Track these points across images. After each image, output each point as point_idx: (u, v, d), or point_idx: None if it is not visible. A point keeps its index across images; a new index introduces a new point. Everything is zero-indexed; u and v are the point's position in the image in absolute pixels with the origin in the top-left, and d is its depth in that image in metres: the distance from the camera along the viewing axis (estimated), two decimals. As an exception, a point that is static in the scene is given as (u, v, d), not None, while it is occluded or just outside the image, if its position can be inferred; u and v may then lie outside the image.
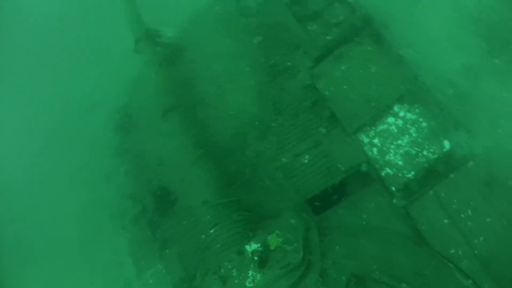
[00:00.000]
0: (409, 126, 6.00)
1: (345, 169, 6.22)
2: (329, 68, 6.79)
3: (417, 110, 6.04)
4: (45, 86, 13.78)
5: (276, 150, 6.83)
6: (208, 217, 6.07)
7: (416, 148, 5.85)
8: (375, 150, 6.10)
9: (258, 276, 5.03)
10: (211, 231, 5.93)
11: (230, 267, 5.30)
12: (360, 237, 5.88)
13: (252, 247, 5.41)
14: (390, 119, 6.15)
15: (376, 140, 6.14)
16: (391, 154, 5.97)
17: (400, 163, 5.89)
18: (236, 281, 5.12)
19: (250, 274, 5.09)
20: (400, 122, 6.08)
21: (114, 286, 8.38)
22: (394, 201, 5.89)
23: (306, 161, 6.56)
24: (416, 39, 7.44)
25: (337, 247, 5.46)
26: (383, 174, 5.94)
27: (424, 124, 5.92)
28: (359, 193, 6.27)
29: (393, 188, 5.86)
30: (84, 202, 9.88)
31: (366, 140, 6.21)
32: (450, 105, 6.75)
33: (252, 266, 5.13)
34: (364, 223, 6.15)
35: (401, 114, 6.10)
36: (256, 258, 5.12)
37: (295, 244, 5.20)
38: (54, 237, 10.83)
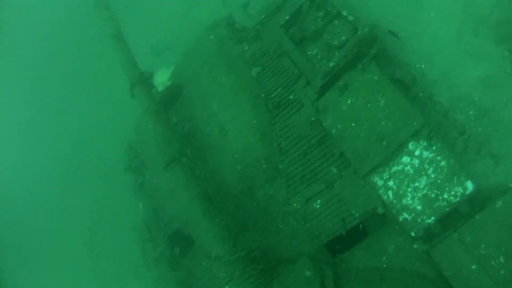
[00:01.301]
0: (426, 166, 5.52)
1: (359, 215, 5.89)
2: (334, 101, 6.30)
3: (434, 148, 5.53)
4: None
5: (286, 193, 6.53)
6: (221, 273, 5.97)
7: (435, 191, 5.41)
8: (390, 193, 5.70)
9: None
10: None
11: None
12: (380, 284, 5.64)
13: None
14: (405, 159, 5.68)
15: (391, 183, 5.72)
16: (409, 198, 5.56)
17: (419, 207, 5.47)
18: None
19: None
20: (416, 161, 5.60)
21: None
22: (415, 245, 5.55)
23: (318, 206, 6.25)
24: (427, 52, 6.79)
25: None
26: (400, 219, 5.57)
27: (443, 163, 5.43)
28: (378, 234, 5.96)
29: (413, 234, 5.50)
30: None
31: (380, 182, 5.79)
32: (471, 127, 6.23)
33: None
34: (384, 266, 5.87)
35: (417, 152, 5.62)
36: None
37: None
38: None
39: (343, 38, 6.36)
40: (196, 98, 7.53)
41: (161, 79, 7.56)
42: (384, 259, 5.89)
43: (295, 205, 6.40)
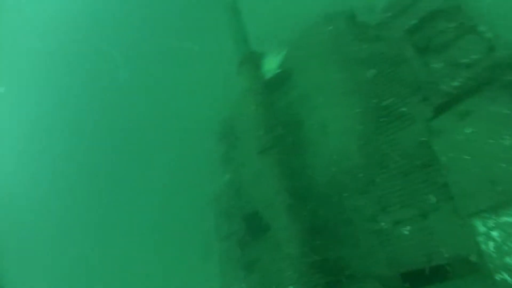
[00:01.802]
0: (543, 227, 4.75)
1: (448, 256, 5.42)
2: (451, 126, 5.63)
3: (559, 210, 4.68)
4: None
5: (376, 209, 6.27)
6: (290, 273, 6.15)
7: (548, 260, 4.66)
8: (491, 244, 5.08)
9: None
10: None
11: None
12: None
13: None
14: (520, 212, 4.94)
15: (495, 233, 5.07)
16: (513, 257, 4.90)
17: (523, 272, 4.82)
18: None
19: None
20: (532, 219, 4.84)
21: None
22: None
23: (407, 232, 5.90)
24: None
25: None
26: (497, 278, 4.98)
27: None
28: (463, 281, 5.45)
29: None
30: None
31: (482, 229, 5.18)
32: None
33: None
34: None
35: (536, 210, 4.83)
36: None
37: None
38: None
39: (474, 56, 5.51)
40: (302, 89, 7.39)
41: (270, 66, 7.53)
42: None
43: (382, 224, 6.14)
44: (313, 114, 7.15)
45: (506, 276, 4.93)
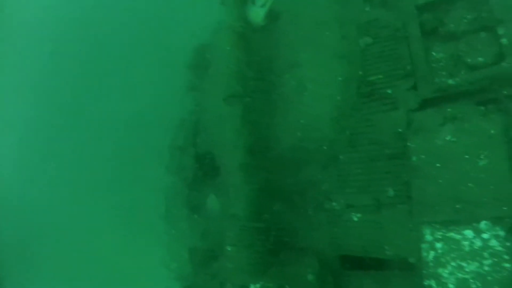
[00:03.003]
0: (486, 254, 4.79)
1: (390, 253, 5.50)
2: (432, 126, 5.25)
3: (508, 244, 4.69)
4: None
5: (332, 187, 6.09)
6: (231, 234, 6.07)
7: (478, 284, 4.81)
8: (432, 254, 5.14)
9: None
10: (228, 248, 6.01)
11: None
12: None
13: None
14: (468, 233, 4.92)
15: (439, 245, 5.10)
16: (446, 271, 5.01)
17: (451, 287, 4.98)
18: None
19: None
20: (478, 243, 4.85)
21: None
22: None
23: (356, 219, 5.85)
24: None
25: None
26: (425, 283, 5.14)
27: (507, 265, 4.67)
28: (394, 275, 5.66)
29: None
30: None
31: (428, 238, 5.18)
32: None
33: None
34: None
35: (485, 236, 4.82)
36: None
37: None
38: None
39: (481, 59, 4.92)
40: (287, 40, 6.49)
41: (257, 7, 6.41)
42: None
43: (335, 204, 6.03)
44: (293, 70, 6.40)
45: (433, 284, 5.08)
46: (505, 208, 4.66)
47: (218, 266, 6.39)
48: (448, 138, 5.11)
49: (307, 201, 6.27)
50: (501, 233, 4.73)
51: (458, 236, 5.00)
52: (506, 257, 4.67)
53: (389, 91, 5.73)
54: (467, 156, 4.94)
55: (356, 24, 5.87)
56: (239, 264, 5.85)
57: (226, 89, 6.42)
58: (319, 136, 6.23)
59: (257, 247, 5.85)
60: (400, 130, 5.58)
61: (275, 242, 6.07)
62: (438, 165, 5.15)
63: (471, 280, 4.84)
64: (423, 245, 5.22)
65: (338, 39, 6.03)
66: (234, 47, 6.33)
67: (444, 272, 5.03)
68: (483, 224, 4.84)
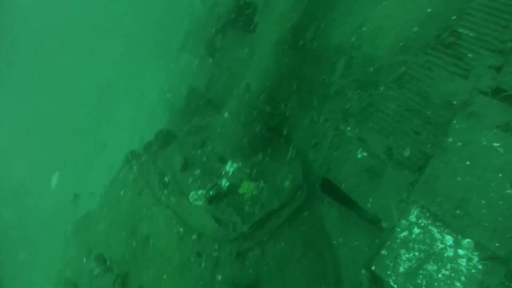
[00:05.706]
0: (449, 266, 4.53)
1: (370, 207, 5.28)
2: (489, 121, 4.31)
3: (473, 271, 4.35)
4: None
5: (355, 111, 5.39)
6: (234, 102, 5.57)
7: (424, 283, 4.70)
8: (405, 233, 4.88)
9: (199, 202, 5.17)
10: (225, 114, 5.68)
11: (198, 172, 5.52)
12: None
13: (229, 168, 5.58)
14: (449, 239, 4.57)
15: (416, 230, 4.80)
16: (406, 255, 4.79)
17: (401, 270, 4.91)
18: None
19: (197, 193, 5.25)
20: (450, 253, 4.54)
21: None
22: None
23: (359, 156, 5.36)
24: None
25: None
26: (382, 252, 5.04)
27: (457, 284, 4.43)
28: (359, 221, 5.60)
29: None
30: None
31: (412, 218, 4.84)
32: None
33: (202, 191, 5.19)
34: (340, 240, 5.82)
35: (460, 251, 4.46)
36: (212, 192, 5.17)
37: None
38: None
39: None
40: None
41: None
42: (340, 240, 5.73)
43: (348, 129, 5.43)
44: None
45: (387, 257, 4.93)
46: (496, 244, 4.12)
47: (207, 123, 6.27)
48: (495, 144, 4.14)
49: (324, 109, 5.71)
50: (475, 259, 4.34)
51: (438, 235, 4.66)
52: (462, 278, 4.41)
53: (469, 55, 4.38)
54: (500, 175, 4.09)
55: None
56: (227, 135, 5.62)
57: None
58: (372, 54, 5.19)
59: (253, 127, 5.50)
60: (454, 102, 4.53)
61: (273, 130, 5.79)
62: (468, 163, 4.35)
63: (421, 276, 4.73)
64: (403, 221, 4.93)
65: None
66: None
67: (405, 255, 4.88)
68: (466, 241, 4.42)
